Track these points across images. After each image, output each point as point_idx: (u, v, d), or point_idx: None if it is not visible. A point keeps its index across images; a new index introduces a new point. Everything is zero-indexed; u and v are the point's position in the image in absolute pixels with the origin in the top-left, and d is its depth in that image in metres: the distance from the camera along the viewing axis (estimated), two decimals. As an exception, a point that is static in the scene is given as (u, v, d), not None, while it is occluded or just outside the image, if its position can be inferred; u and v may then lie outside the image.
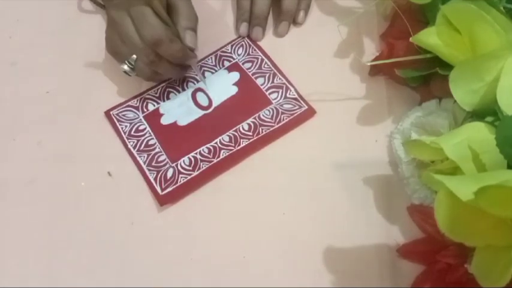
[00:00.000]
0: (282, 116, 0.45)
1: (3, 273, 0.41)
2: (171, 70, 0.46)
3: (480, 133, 0.32)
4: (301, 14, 0.51)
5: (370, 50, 0.49)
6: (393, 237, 0.40)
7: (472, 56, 0.36)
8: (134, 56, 0.44)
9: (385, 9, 0.49)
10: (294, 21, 0.51)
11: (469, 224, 0.29)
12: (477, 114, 0.35)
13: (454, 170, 0.32)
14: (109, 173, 0.44)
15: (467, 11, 0.34)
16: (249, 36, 0.51)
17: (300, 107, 0.46)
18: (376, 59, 0.44)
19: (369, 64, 0.44)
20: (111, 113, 0.47)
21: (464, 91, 0.34)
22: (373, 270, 0.39)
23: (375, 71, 0.46)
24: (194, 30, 0.45)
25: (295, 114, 0.46)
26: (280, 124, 0.45)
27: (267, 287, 0.39)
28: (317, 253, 0.40)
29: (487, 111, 0.34)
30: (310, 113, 0.46)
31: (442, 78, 0.37)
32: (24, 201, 0.44)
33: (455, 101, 0.35)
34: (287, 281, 0.39)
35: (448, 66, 0.37)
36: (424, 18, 0.41)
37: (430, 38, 0.37)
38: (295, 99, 0.47)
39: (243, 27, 0.51)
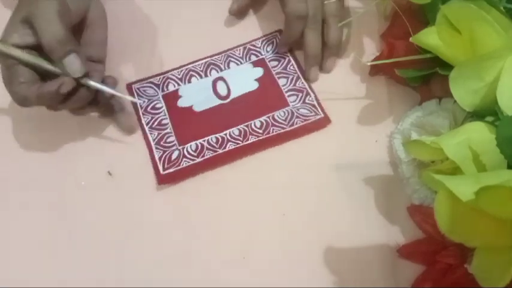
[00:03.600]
0: (296, 120, 0.45)
1: (3, 273, 0.41)
2: (80, 98, 0.40)
3: (480, 133, 0.32)
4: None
5: (370, 50, 0.49)
6: (393, 237, 0.40)
7: (472, 56, 0.35)
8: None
9: (385, 9, 0.49)
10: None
11: (469, 224, 0.29)
12: (477, 114, 0.35)
13: (454, 170, 0.32)
14: (109, 173, 0.44)
15: (467, 11, 0.34)
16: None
17: (316, 114, 0.45)
18: (376, 59, 0.44)
19: (369, 64, 0.44)
20: (132, 86, 0.48)
21: (464, 91, 0.34)
22: (373, 270, 0.39)
23: (375, 70, 0.46)
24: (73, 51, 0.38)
25: (309, 121, 0.45)
26: (292, 127, 0.44)
27: (267, 287, 0.39)
28: (317, 253, 0.40)
29: (487, 111, 0.34)
30: (324, 122, 0.45)
31: (442, 78, 0.37)
32: (24, 202, 0.44)
33: (455, 101, 0.35)
34: (287, 281, 0.39)
35: (448, 66, 0.37)
36: (424, 18, 0.41)
37: (430, 38, 0.37)
38: (313, 105, 0.46)
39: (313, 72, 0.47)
